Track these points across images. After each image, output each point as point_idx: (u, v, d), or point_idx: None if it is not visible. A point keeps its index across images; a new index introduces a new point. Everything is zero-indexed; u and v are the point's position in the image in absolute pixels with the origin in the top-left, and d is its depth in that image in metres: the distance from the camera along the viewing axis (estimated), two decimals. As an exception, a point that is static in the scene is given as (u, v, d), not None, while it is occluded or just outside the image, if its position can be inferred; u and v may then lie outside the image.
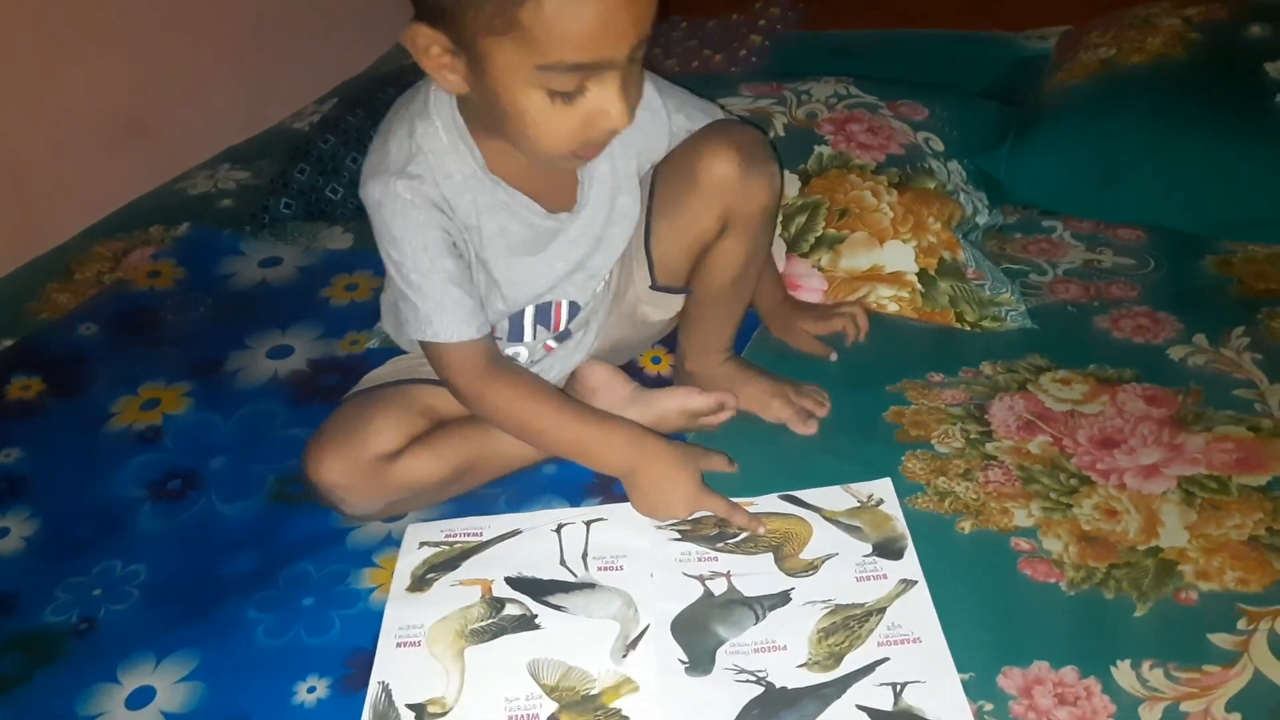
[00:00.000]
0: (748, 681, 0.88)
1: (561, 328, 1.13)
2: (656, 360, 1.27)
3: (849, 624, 0.92)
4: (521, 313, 1.10)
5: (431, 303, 0.98)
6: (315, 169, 1.57)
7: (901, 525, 1.01)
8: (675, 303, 1.17)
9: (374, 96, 1.65)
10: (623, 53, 0.85)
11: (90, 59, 1.69)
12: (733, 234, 1.08)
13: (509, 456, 1.09)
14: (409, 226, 0.96)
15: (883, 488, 1.06)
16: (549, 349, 1.15)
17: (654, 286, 1.13)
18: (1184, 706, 0.83)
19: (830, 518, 1.03)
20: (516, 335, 1.12)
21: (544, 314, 1.11)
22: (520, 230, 1.03)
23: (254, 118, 1.91)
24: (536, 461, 1.12)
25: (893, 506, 1.03)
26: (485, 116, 0.95)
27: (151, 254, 1.53)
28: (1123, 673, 0.86)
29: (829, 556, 0.98)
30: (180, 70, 1.83)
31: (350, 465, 1.02)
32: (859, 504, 1.04)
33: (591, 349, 1.18)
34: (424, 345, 1.02)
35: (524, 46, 0.83)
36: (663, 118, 1.06)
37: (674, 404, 1.13)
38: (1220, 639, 0.88)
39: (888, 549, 0.99)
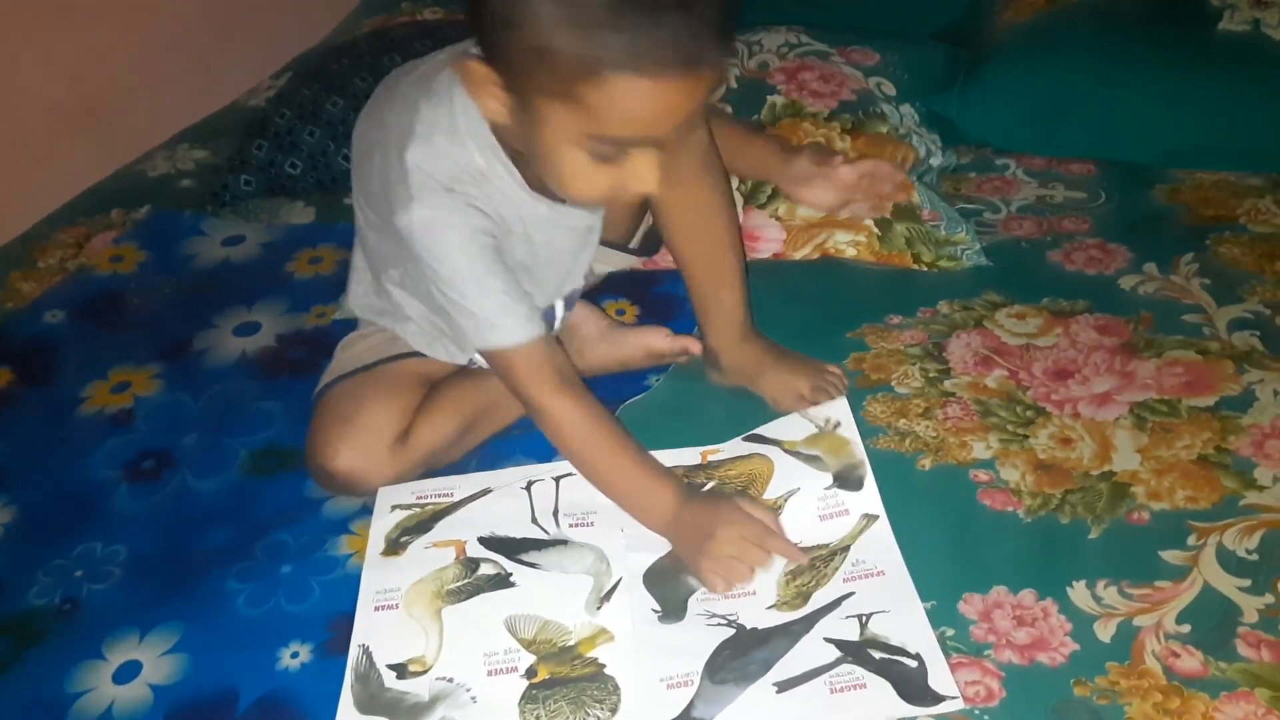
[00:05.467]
0: (719, 625, 0.91)
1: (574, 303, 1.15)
2: (621, 313, 1.28)
3: (815, 564, 0.95)
4: (551, 306, 1.11)
5: (492, 308, 0.96)
6: (273, 144, 1.56)
7: (859, 450, 1.03)
8: (614, 257, 1.20)
9: (328, 69, 1.65)
10: (669, 131, 0.85)
11: (40, 44, 1.67)
12: None
13: (509, 408, 1.11)
14: (464, 241, 0.95)
15: (839, 409, 1.07)
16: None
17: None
18: (1137, 621, 0.86)
19: (790, 449, 1.04)
20: (549, 325, 1.09)
21: (571, 299, 1.14)
22: (566, 236, 1.06)
23: (209, 96, 1.88)
24: None
25: (850, 429, 1.05)
26: (522, 146, 0.94)
27: (113, 238, 1.52)
28: (1078, 593, 0.89)
29: (792, 493, 1.00)
30: (132, 51, 1.81)
31: (368, 451, 1.05)
32: (817, 430, 1.06)
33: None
34: (490, 357, 1.00)
35: (578, 115, 0.83)
36: None
37: (642, 342, 1.18)
38: (1171, 555, 0.92)
39: (847, 479, 1.01)
